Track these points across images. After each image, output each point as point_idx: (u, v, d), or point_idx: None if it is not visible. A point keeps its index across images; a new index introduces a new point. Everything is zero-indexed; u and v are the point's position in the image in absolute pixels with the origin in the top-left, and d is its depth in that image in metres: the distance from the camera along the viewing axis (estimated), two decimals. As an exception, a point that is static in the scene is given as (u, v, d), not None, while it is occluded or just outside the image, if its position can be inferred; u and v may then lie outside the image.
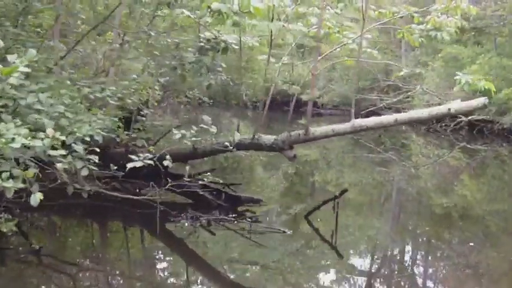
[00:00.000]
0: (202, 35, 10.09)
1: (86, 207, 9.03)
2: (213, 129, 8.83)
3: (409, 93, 24.91)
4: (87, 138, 6.81)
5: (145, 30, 10.34)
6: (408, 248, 9.42)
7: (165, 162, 8.23)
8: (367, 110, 30.28)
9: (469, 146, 22.88)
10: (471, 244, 9.37)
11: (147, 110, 9.50)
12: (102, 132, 7.14)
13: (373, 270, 8.06)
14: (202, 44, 9.91)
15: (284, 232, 8.86)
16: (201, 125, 8.91)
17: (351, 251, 8.86)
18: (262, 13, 7.79)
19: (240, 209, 9.80)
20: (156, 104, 12.86)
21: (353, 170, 17.38)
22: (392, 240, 9.61)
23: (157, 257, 8.37)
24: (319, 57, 10.21)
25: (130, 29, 11.20)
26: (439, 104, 25.88)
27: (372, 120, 9.58)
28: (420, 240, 9.92)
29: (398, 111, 29.90)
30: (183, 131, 8.81)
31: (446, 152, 22.13)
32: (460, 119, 25.43)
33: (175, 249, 8.40)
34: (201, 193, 9.54)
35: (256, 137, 9.87)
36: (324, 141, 23.86)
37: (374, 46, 34.84)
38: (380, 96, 30.02)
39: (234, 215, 9.31)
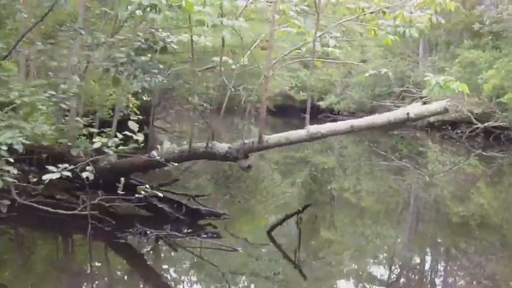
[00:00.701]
0: (140, 34, 9.40)
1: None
2: (139, 137, 7.72)
3: (422, 99, 24.64)
4: (4, 147, 6.47)
5: (76, 28, 9.57)
6: (425, 258, 9.23)
7: (85, 174, 7.50)
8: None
9: (485, 153, 22.57)
10: (488, 254, 9.17)
11: (134, 116, 8.70)
12: (23, 141, 6.76)
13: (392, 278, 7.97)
14: (139, 43, 8.99)
15: (235, 250, 7.98)
16: (125, 132, 7.80)
17: (345, 266, 8.50)
18: (192, 7, 6.91)
19: (202, 222, 9.27)
20: (137, 111, 12.00)
21: (369, 178, 17.17)
22: (410, 250, 9.46)
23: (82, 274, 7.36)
24: (274, 60, 9.29)
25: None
26: (456, 112, 26.05)
27: (327, 127, 8.85)
28: (436, 250, 9.71)
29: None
30: (104, 139, 7.88)
31: (462, 159, 21.84)
32: (476, 126, 25.18)
33: (103, 268, 7.63)
34: (160, 206, 9.02)
35: (209, 145, 9.08)
36: (340, 149, 24.99)
37: (388, 49, 34.89)
38: (394, 102, 29.82)
39: (189, 231, 8.77)
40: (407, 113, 8.26)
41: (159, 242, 8.20)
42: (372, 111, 32.01)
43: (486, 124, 24.67)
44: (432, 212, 12.68)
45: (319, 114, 39.17)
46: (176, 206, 9.26)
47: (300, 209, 8.59)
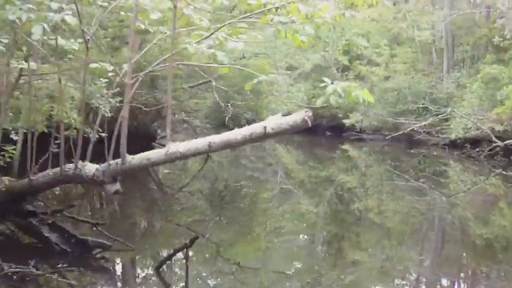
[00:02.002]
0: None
1: None
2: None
3: (439, 117, 24.02)
4: None
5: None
6: (450, 280, 9.07)
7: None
8: (398, 133, 29.87)
9: (505, 172, 21.71)
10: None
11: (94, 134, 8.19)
12: None
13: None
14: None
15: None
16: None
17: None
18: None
19: (101, 255, 8.39)
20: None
21: (391, 198, 16.80)
22: (434, 272, 9.15)
23: None
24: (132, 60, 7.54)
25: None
26: (477, 129, 25.24)
27: (186, 145, 7.62)
28: (460, 272, 9.53)
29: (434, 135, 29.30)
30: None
31: (482, 179, 21.18)
32: (495, 144, 24.28)
33: None
34: (46, 235, 8.23)
35: (78, 167, 7.86)
36: (363, 168, 24.69)
37: (407, 62, 34.17)
38: (418, 119, 29.13)
39: (64, 265, 7.69)
40: (265, 127, 6.98)
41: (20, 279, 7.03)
42: (394, 128, 31.42)
43: (506, 142, 23.72)
44: (455, 233, 12.36)
45: (344, 133, 38.62)
46: (66, 236, 8.35)
47: (187, 242, 7.59)
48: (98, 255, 8.31)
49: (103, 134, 9.03)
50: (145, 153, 7.64)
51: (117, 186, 7.78)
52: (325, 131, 44.86)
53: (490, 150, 24.35)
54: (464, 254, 10.64)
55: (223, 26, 7.67)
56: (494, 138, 24.18)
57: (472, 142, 26.33)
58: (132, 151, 7.42)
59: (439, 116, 25.34)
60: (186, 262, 7.46)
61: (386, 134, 31.79)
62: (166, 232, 11.26)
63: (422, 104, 27.92)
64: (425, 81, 32.91)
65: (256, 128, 7.14)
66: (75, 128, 9.72)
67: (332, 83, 6.14)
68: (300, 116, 6.61)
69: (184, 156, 7.69)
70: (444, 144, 28.92)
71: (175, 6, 7.06)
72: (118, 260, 8.63)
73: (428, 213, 14.49)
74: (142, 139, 19.51)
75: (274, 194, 16.97)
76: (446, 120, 28.66)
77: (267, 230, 11.92)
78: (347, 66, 43.14)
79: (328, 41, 42.62)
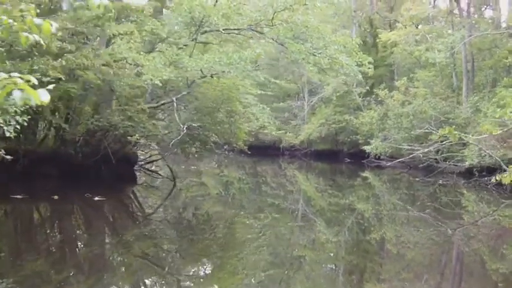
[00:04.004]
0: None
1: None
2: None
3: (443, 143, 22.50)
4: None
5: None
6: None
7: None
8: (403, 159, 28.52)
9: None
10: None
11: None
12: None
13: None
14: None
15: None
16: None
17: None
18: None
19: None
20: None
21: (405, 229, 16.00)
22: None
23: None
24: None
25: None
26: (490, 156, 23.60)
27: None
28: None
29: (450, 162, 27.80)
30: None
31: (492, 209, 19.74)
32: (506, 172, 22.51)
33: None
34: None
35: None
36: (378, 196, 23.93)
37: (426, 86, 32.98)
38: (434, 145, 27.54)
39: None
40: None
41: None
42: (409, 155, 30.01)
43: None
44: (472, 266, 11.74)
45: (364, 159, 37.28)
46: None
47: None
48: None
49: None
50: None
51: None
52: (342, 158, 43.87)
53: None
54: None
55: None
56: (504, 166, 22.44)
57: (488, 170, 24.63)
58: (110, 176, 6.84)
59: (444, 143, 23.77)
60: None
61: (404, 161, 30.51)
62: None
63: (428, 129, 26.28)
64: (441, 105, 31.35)
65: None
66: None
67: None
68: None
69: None
70: (460, 172, 27.40)
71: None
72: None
73: (432, 246, 13.65)
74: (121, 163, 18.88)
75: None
76: (465, 146, 27.09)
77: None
78: (369, 91, 42.12)
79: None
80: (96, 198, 16.30)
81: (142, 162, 22.99)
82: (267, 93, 26.70)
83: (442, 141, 26.57)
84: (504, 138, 22.76)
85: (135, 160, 21.80)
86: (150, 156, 23.07)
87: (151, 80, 15.06)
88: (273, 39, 18.53)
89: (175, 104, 17.02)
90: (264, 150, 51.44)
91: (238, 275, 10.00)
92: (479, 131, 22.22)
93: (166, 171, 23.68)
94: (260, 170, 40.93)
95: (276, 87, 51.57)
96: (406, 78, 37.15)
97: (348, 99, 44.99)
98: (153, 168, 25.39)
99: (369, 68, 20.62)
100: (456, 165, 27.62)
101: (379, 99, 38.38)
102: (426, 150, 23.24)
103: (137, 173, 23.91)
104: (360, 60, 20.10)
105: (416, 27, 40.16)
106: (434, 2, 44.53)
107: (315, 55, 19.13)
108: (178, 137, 17.34)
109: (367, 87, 42.81)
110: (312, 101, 50.04)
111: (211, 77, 17.37)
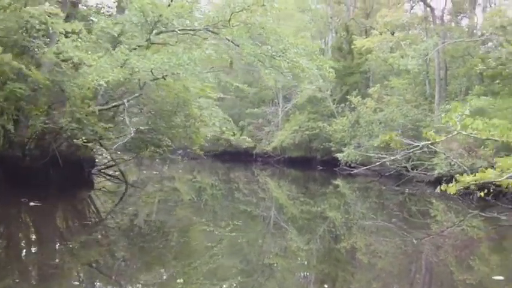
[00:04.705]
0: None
1: None
2: None
3: (411, 151, 21.92)
4: None
5: None
6: None
7: None
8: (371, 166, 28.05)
9: (482, 214, 19.86)
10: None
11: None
12: None
13: None
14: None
15: None
16: None
17: None
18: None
19: None
20: None
21: (375, 238, 15.51)
22: None
23: None
24: None
25: None
26: (459, 165, 23.14)
27: None
28: None
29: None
30: None
31: (459, 219, 19.53)
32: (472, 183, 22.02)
33: None
34: None
35: None
36: (347, 205, 23.56)
37: (401, 93, 32.64)
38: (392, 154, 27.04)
39: None
40: None
41: None
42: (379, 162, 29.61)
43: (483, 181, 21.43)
44: (439, 277, 11.38)
45: (336, 167, 36.85)
46: None
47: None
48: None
49: None
50: None
51: None
52: (315, 165, 43.58)
53: (467, 188, 21.99)
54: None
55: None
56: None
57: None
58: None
59: (411, 151, 23.26)
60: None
61: (376, 169, 30.18)
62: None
63: (397, 135, 25.72)
64: (413, 113, 30.96)
65: None
66: None
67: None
68: None
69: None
70: (430, 181, 26.98)
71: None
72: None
73: (400, 256, 13.34)
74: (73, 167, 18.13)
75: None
76: (434, 155, 26.71)
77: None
78: (344, 97, 41.83)
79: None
80: (32, 204, 15.58)
81: (102, 167, 22.20)
82: (226, 97, 26.10)
83: (409, 149, 26.15)
84: (472, 147, 22.37)
85: (91, 164, 21.01)
86: (108, 161, 22.24)
87: (96, 80, 14.37)
88: (228, 39, 17.87)
89: (126, 106, 16.36)
90: (238, 157, 51.13)
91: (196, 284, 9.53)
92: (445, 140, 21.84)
93: (130, 176, 23.09)
94: (233, 176, 40.59)
95: (251, 92, 51.20)
96: (379, 86, 36.88)
97: (322, 106, 44.65)
98: (117, 173, 24.83)
99: (330, 73, 20.05)
100: (426, 174, 27.23)
101: (353, 106, 38.04)
102: (393, 158, 22.75)
103: (98, 178, 23.23)
104: (321, 64, 19.52)
105: (392, 34, 39.85)
106: (411, 9, 44.35)
107: (274, 58, 18.53)
108: (124, 141, 16.67)
109: (342, 94, 42.55)
110: (286, 107, 49.59)
111: (164, 78, 16.66)
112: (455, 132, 10.82)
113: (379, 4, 44.62)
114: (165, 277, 10.02)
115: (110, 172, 23.49)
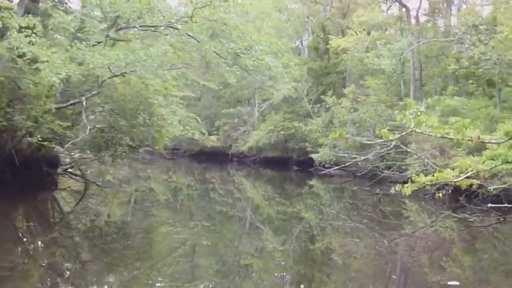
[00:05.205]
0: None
1: None
2: None
3: (383, 152, 21.74)
4: None
5: None
6: None
7: None
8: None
9: (454, 214, 19.84)
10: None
11: None
12: None
13: None
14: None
15: None
16: None
17: None
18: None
19: None
20: None
21: (349, 238, 15.51)
22: None
23: None
24: None
25: None
26: (432, 166, 22.86)
27: None
28: None
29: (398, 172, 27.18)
30: None
31: (432, 220, 19.52)
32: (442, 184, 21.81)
33: None
34: None
35: None
36: (321, 206, 23.32)
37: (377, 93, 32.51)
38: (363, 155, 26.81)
39: None
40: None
41: None
42: (354, 164, 29.41)
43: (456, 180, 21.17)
44: (413, 278, 11.48)
45: (311, 167, 36.54)
46: None
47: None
48: None
49: None
50: None
51: None
52: (291, 165, 43.32)
53: (438, 189, 21.71)
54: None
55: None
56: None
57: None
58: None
59: (383, 151, 23.02)
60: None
61: (351, 170, 30.03)
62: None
63: (368, 136, 25.49)
64: (387, 113, 30.67)
65: None
66: None
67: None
68: None
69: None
70: (404, 182, 26.66)
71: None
72: None
73: (374, 256, 13.28)
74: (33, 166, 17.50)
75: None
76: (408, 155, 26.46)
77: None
78: (320, 97, 41.53)
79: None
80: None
81: (67, 166, 21.57)
82: (191, 94, 25.60)
83: (381, 149, 25.93)
84: (444, 147, 22.13)
85: (55, 163, 20.38)
86: (73, 161, 21.58)
87: (50, 77, 13.81)
88: (189, 35, 17.36)
89: (84, 104, 15.83)
90: (214, 157, 50.77)
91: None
92: (417, 140, 21.63)
93: (94, 176, 22.61)
94: (209, 176, 40.36)
95: (228, 92, 50.76)
96: (354, 86, 36.63)
97: (298, 105, 44.35)
98: (87, 172, 24.28)
99: (295, 71, 19.64)
100: (399, 174, 26.97)
101: (328, 106, 37.76)
102: (363, 158, 22.49)
103: (64, 178, 22.64)
104: (286, 62, 19.08)
105: (368, 34, 39.60)
106: (388, 10, 44.15)
107: (238, 55, 18.08)
108: (77, 139, 16.14)
109: (318, 94, 42.30)
110: (262, 107, 49.18)
111: (123, 75, 16.12)
112: (409, 130, 10.45)
113: (356, 4, 44.28)
114: (127, 279, 9.68)
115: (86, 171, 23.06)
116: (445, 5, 38.07)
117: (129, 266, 10.45)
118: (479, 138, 10.56)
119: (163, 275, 9.98)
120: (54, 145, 16.26)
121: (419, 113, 10.19)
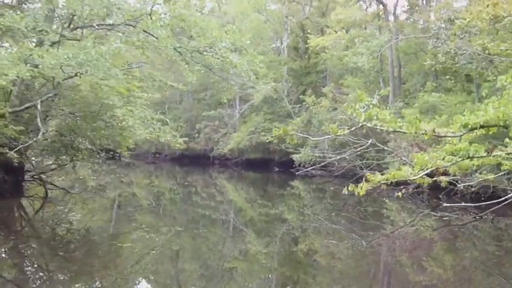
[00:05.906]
0: None
1: None
2: None
3: (358, 150, 21.28)
4: None
5: None
6: None
7: None
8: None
9: (434, 213, 19.50)
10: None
11: None
12: None
13: None
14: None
15: None
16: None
17: None
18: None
19: None
20: None
21: (324, 239, 15.41)
22: None
23: None
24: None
25: None
26: (410, 164, 22.40)
27: None
28: None
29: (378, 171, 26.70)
30: None
31: (412, 219, 19.32)
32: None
33: None
34: None
35: None
36: (304, 207, 23.16)
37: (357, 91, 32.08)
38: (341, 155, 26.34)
39: None
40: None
41: None
42: (333, 163, 29.02)
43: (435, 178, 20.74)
44: (395, 276, 11.53)
45: (293, 168, 36.07)
46: None
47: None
48: None
49: None
50: None
51: None
52: (272, 167, 42.96)
53: (417, 187, 21.23)
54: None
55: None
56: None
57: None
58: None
59: (359, 150, 22.55)
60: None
61: (332, 170, 29.62)
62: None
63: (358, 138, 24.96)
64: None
65: None
66: None
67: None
68: None
69: None
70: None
71: None
72: None
73: (356, 257, 13.20)
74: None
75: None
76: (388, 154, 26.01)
77: None
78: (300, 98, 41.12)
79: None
80: None
81: (35, 173, 20.83)
82: (154, 96, 24.96)
83: (357, 149, 25.45)
84: (421, 145, 21.72)
85: (20, 170, 19.62)
86: (43, 167, 20.90)
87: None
88: (146, 32, 16.65)
89: (39, 108, 15.14)
90: (196, 160, 50.35)
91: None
92: (394, 137, 21.19)
93: (65, 182, 22.03)
94: (191, 180, 39.98)
95: (208, 94, 50.25)
96: (333, 85, 36.23)
97: (278, 106, 43.88)
98: (61, 179, 23.66)
99: (261, 68, 19.09)
100: (380, 173, 26.53)
101: (307, 106, 37.32)
102: (339, 157, 22.03)
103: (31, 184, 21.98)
104: (251, 59, 18.49)
105: (347, 32, 39.18)
106: (367, 8, 43.77)
107: (201, 53, 17.48)
108: (27, 143, 15.47)
109: (298, 94, 41.87)
110: (242, 109, 48.64)
111: (77, 76, 15.40)
112: (359, 124, 9.96)
113: (335, 2, 43.90)
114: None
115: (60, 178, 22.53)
116: (424, 1, 37.70)
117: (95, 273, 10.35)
118: (434, 132, 10.07)
119: (148, 280, 10.15)
120: (7, 150, 15.52)
121: (371, 106, 9.68)
